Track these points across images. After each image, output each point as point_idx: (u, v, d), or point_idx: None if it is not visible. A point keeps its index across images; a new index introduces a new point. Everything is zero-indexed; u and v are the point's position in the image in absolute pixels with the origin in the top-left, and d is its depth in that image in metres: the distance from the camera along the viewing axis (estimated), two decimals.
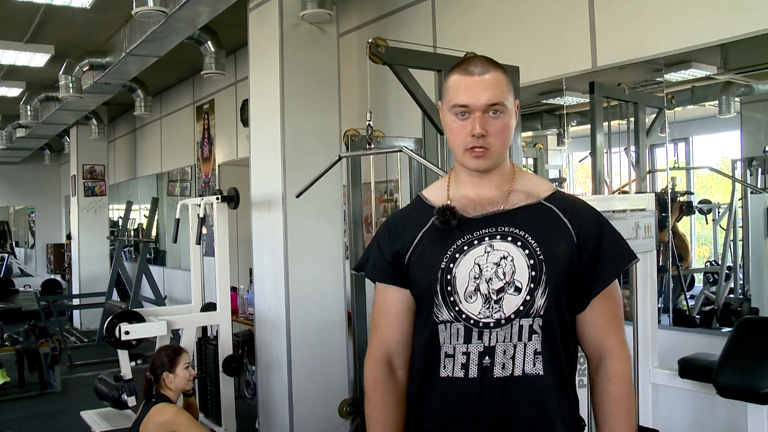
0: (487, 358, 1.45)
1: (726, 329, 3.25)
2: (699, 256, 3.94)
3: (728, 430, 2.89)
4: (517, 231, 1.49)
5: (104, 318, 8.47)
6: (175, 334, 4.49)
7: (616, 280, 1.56)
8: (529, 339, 1.45)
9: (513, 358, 1.45)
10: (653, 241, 2.61)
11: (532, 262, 1.46)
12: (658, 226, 3.22)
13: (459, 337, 1.47)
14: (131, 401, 3.82)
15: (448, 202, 1.56)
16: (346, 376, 4.45)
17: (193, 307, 4.63)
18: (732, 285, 3.53)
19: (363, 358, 3.34)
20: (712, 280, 3.69)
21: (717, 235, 3.68)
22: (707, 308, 3.60)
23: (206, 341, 4.61)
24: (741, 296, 3.40)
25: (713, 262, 3.75)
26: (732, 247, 3.55)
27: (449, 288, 1.48)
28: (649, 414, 2.63)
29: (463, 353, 1.47)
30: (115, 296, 9.32)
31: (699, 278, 3.81)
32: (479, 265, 1.48)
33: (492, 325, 1.45)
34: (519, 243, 1.48)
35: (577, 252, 1.50)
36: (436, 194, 1.62)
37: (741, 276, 3.48)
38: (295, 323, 4.29)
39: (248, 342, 5.09)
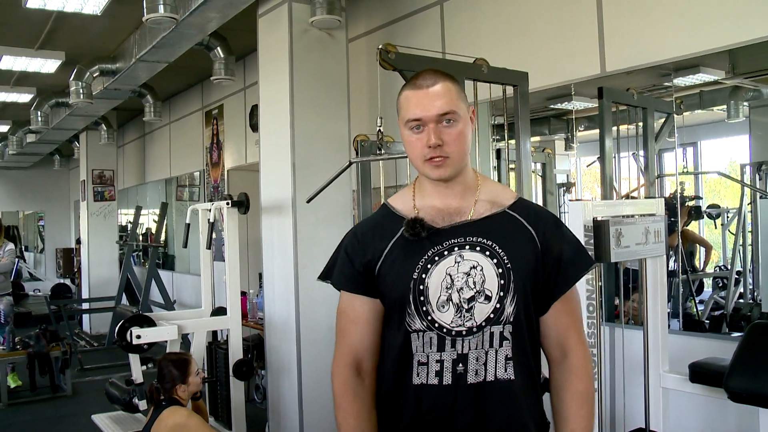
0: (460, 365, 1.50)
1: (736, 334, 3.24)
2: (708, 261, 3.93)
3: None
4: (484, 241, 1.53)
5: (114, 322, 8.56)
6: (185, 339, 4.51)
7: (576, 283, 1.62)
8: (500, 345, 1.50)
9: (485, 364, 1.50)
10: (663, 246, 2.62)
11: (500, 270, 1.51)
12: (667, 231, 3.23)
13: (432, 345, 1.51)
14: (142, 405, 3.84)
15: (416, 212, 1.59)
16: None
17: (204, 311, 4.66)
18: (741, 290, 3.52)
19: None
20: (721, 284, 3.68)
21: (726, 239, 3.68)
22: (716, 313, 3.59)
23: (217, 345, 4.64)
24: (751, 301, 3.39)
25: (722, 267, 3.75)
26: (741, 251, 3.54)
27: (422, 298, 1.52)
28: (660, 418, 2.63)
29: (437, 361, 1.51)
30: (124, 301, 9.37)
31: (708, 283, 3.81)
32: (450, 275, 1.52)
33: (464, 333, 1.50)
34: (487, 252, 1.52)
35: (541, 258, 1.55)
36: (402, 204, 1.63)
37: (750, 281, 3.47)
38: (304, 327, 4.31)
39: (258, 346, 5.11)
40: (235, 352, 4.37)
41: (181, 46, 5.35)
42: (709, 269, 3.79)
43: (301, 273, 4.30)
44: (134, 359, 3.97)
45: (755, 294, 3.38)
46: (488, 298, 1.50)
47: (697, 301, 3.63)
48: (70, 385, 6.56)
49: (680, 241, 3.52)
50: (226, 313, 4.44)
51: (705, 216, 3.70)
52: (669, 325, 2.89)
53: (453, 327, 1.50)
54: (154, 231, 9.91)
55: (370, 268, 1.59)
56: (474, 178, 1.62)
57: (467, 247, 1.53)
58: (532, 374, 1.55)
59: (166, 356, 3.54)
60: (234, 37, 5.71)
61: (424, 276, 1.52)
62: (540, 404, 1.59)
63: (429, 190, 1.60)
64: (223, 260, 4.64)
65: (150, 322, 3.95)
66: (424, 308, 1.51)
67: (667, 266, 3.11)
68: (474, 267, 1.51)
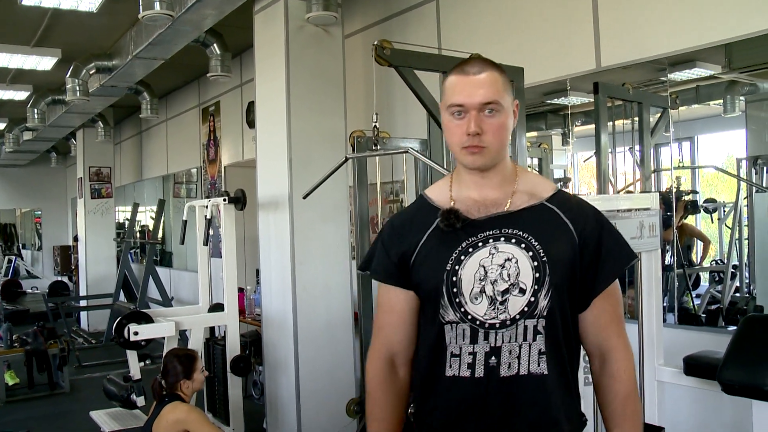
0: (493, 357, 1.47)
1: (732, 328, 3.25)
2: (705, 255, 3.94)
3: (733, 427, 2.90)
4: (520, 233, 1.51)
5: (111, 319, 8.55)
6: (183, 335, 4.52)
7: (617, 279, 1.58)
8: (534, 339, 1.47)
9: (518, 357, 1.47)
10: (658, 240, 2.63)
11: (535, 263, 1.48)
12: (663, 225, 3.24)
13: (465, 337, 1.50)
14: (140, 401, 3.86)
15: (452, 203, 1.58)
16: (353, 376, 4.47)
17: (201, 307, 4.66)
18: (738, 284, 3.54)
19: None
20: (717, 278, 3.70)
21: (722, 233, 3.69)
22: (713, 307, 3.60)
23: (214, 342, 4.64)
24: (747, 295, 3.40)
25: (719, 261, 3.76)
26: (737, 245, 3.55)
27: (455, 289, 1.50)
28: (655, 411, 2.64)
29: (470, 353, 1.49)
30: (121, 298, 9.37)
31: (705, 277, 3.82)
32: (484, 267, 1.50)
33: (497, 325, 1.48)
34: (523, 245, 1.50)
35: (579, 252, 1.52)
36: (439, 194, 1.63)
37: (747, 274, 3.48)
38: (302, 323, 4.32)
39: (255, 342, 5.12)
40: (233, 348, 4.37)
41: (178, 43, 5.35)
42: (706, 263, 3.80)
43: (298, 269, 4.31)
44: (132, 356, 3.98)
45: (751, 288, 3.39)
46: (522, 291, 1.48)
47: (693, 295, 3.65)
48: (68, 382, 6.57)
49: (677, 235, 3.53)
50: (223, 310, 4.44)
51: (701, 210, 3.71)
52: (665, 319, 2.90)
53: (486, 319, 1.48)
54: (151, 228, 9.92)
55: (406, 260, 1.58)
56: (512, 170, 1.60)
57: (502, 239, 1.51)
58: (566, 370, 1.52)
59: (172, 351, 3.56)
60: (230, 34, 5.70)
61: (457, 267, 1.51)
62: (575, 401, 1.56)
63: (466, 180, 1.59)
64: (221, 257, 4.64)
65: (147, 319, 3.96)
66: (457, 300, 1.50)
67: (663, 260, 3.12)
68: (509, 259, 1.49)
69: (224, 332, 4.48)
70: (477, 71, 1.52)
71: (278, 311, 4.48)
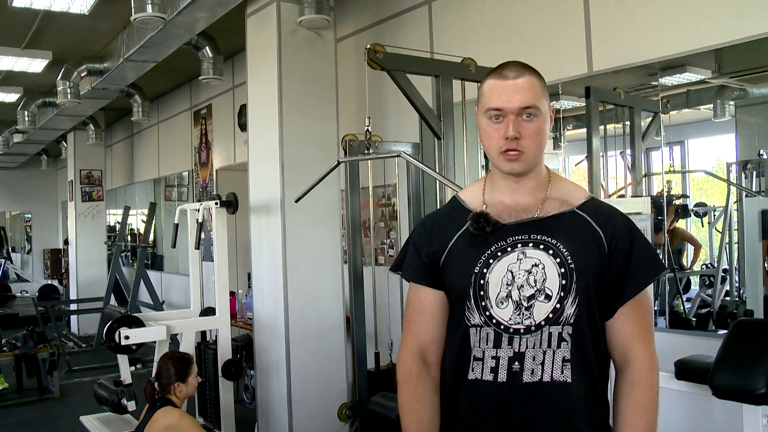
0: (516, 363, 1.47)
1: (722, 331, 3.26)
2: (696, 259, 3.96)
3: (724, 430, 2.91)
4: (549, 239, 1.51)
5: (102, 323, 8.51)
6: (174, 339, 4.50)
7: (646, 289, 1.56)
8: (558, 346, 1.47)
9: (542, 364, 1.46)
10: None
11: (563, 270, 1.48)
12: (654, 229, 3.25)
13: (489, 341, 1.50)
14: (131, 406, 3.83)
15: (484, 206, 1.58)
16: (344, 380, 4.46)
17: (192, 311, 4.64)
18: (728, 287, 3.55)
19: (361, 362, 3.37)
20: (708, 282, 3.71)
21: (713, 237, 3.70)
22: (703, 311, 3.61)
23: (205, 346, 4.62)
24: (737, 299, 3.42)
25: (709, 265, 3.77)
26: (727, 249, 3.57)
27: (482, 293, 1.51)
28: None
29: (493, 357, 1.49)
30: (112, 301, 9.33)
31: (695, 281, 3.83)
32: (512, 272, 1.50)
33: (522, 331, 1.47)
34: (551, 251, 1.50)
35: (608, 260, 1.51)
36: (472, 197, 1.64)
37: (737, 278, 3.50)
38: (293, 327, 4.31)
39: (247, 346, 5.10)
40: (224, 352, 4.36)
41: (170, 46, 5.34)
42: (696, 267, 3.81)
43: (290, 273, 4.30)
44: (123, 360, 3.95)
45: (741, 291, 3.41)
46: (548, 297, 1.47)
47: (684, 299, 3.66)
48: (58, 386, 6.52)
49: (668, 239, 3.54)
50: (214, 314, 4.43)
51: (692, 214, 3.72)
52: (656, 323, 2.91)
53: (511, 324, 1.48)
54: (142, 231, 9.88)
55: (436, 260, 1.59)
56: (546, 176, 1.60)
57: (531, 244, 1.51)
58: (594, 379, 1.50)
59: (168, 353, 3.53)
60: (222, 37, 5.70)
61: (485, 271, 1.51)
62: (602, 411, 1.53)
63: (500, 184, 1.59)
64: (212, 260, 4.63)
65: (138, 323, 3.94)
66: (483, 303, 1.50)
67: None
68: (536, 265, 1.49)
69: (216, 336, 4.46)
70: (515, 75, 1.52)
71: (270, 315, 4.47)
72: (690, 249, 3.82)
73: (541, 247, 1.50)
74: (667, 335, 3.20)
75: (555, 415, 1.46)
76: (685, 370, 2.53)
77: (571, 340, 1.47)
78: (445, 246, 1.59)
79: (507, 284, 1.50)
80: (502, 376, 1.48)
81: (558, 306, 1.47)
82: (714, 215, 3.69)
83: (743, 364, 2.23)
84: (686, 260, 3.82)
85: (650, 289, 1.60)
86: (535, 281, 1.48)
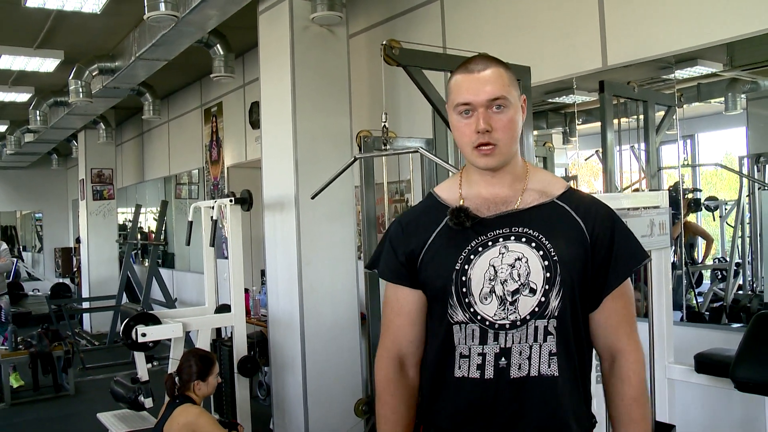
0: (503, 359, 1.45)
1: (736, 325, 3.27)
2: (708, 253, 3.96)
3: (745, 424, 2.91)
4: (531, 232, 1.48)
5: (115, 321, 8.56)
6: (188, 337, 4.53)
7: (629, 279, 1.55)
8: (545, 340, 1.45)
9: (529, 358, 1.45)
10: (668, 238, 2.64)
11: (546, 263, 1.46)
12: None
13: (474, 338, 1.47)
14: (148, 403, 3.86)
15: (461, 201, 1.56)
16: (360, 376, 4.48)
17: (207, 308, 4.66)
18: (740, 281, 3.54)
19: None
20: (720, 276, 3.70)
21: (724, 231, 3.70)
22: (716, 305, 3.61)
23: (221, 342, 4.65)
24: (750, 292, 3.41)
25: (721, 259, 3.77)
26: (740, 243, 3.57)
27: (464, 289, 1.48)
28: (666, 410, 2.65)
29: (479, 354, 1.47)
30: (124, 299, 9.38)
31: (707, 275, 3.83)
32: (494, 267, 1.47)
33: (508, 326, 1.46)
34: (533, 244, 1.47)
35: (590, 251, 1.49)
36: (448, 192, 1.61)
37: (750, 272, 3.49)
38: (308, 324, 4.33)
39: (261, 343, 5.12)
40: (240, 349, 4.38)
41: (181, 44, 5.36)
42: (708, 261, 3.81)
43: (304, 269, 4.32)
44: (139, 357, 3.97)
45: (754, 285, 3.40)
46: (533, 291, 1.45)
47: (696, 293, 3.66)
48: (73, 384, 6.57)
49: (682, 233, 3.54)
50: (229, 311, 4.45)
51: (703, 208, 3.72)
52: None
53: (496, 320, 1.46)
54: (153, 229, 9.92)
55: (413, 259, 1.56)
56: (523, 167, 1.58)
57: (512, 237, 1.48)
58: (576, 371, 1.50)
59: (192, 350, 3.56)
60: (233, 34, 5.72)
61: (467, 267, 1.48)
62: (586, 402, 1.54)
63: (476, 178, 1.57)
64: (225, 257, 4.65)
65: (155, 320, 3.96)
66: (467, 300, 1.48)
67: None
68: (519, 259, 1.47)
69: (231, 333, 4.48)
70: (481, 68, 1.50)
71: (285, 311, 4.48)
72: (701, 243, 3.81)
73: (524, 240, 1.48)
74: (681, 329, 3.20)
75: (543, 410, 1.45)
76: (706, 364, 2.53)
77: (556, 334, 1.46)
78: (423, 244, 1.55)
79: (490, 279, 1.47)
80: (489, 372, 1.46)
81: (543, 299, 1.45)
82: (725, 209, 3.68)
83: (766, 357, 2.24)
84: (698, 254, 3.81)
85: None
86: (518, 275, 1.46)
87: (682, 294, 3.50)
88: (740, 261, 3.55)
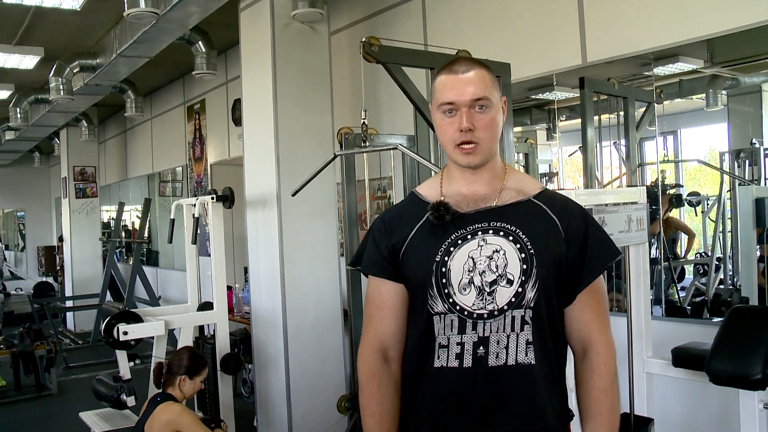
0: (481, 348, 1.49)
1: (717, 319, 3.29)
2: (690, 248, 3.99)
3: (721, 416, 2.95)
4: (508, 226, 1.54)
5: (99, 319, 8.49)
6: (171, 334, 4.51)
7: (601, 275, 1.61)
8: (521, 329, 1.49)
9: (506, 347, 1.49)
10: (645, 234, 2.66)
11: (523, 255, 1.51)
12: (649, 219, 3.27)
13: (453, 328, 1.52)
14: (130, 401, 3.84)
15: (442, 198, 1.61)
16: (343, 373, 4.48)
17: (190, 306, 4.64)
18: (722, 276, 3.58)
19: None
20: (702, 271, 3.74)
21: (706, 226, 3.73)
22: (698, 299, 3.64)
23: (204, 340, 4.63)
24: (731, 287, 3.44)
25: (703, 254, 3.80)
26: (721, 238, 3.60)
27: (444, 280, 1.53)
28: (644, 403, 2.67)
29: (458, 344, 1.51)
30: (108, 298, 9.32)
31: (689, 270, 3.86)
32: (473, 259, 1.52)
33: (486, 316, 1.50)
34: (510, 237, 1.53)
35: (565, 248, 1.55)
36: (429, 191, 1.66)
37: (730, 267, 3.52)
38: (291, 321, 4.32)
39: (244, 341, 5.11)
40: (223, 346, 4.36)
41: (162, 41, 5.32)
42: (691, 256, 3.84)
43: (286, 266, 4.31)
44: (121, 356, 3.95)
45: (735, 279, 3.43)
46: (510, 282, 1.50)
47: (678, 288, 3.68)
48: (56, 383, 6.53)
49: (662, 228, 3.56)
50: (212, 308, 4.43)
51: (686, 204, 3.75)
52: (651, 312, 2.93)
53: (474, 310, 1.50)
54: (137, 227, 9.86)
55: (395, 252, 1.61)
56: (502, 167, 1.64)
57: (490, 231, 1.54)
58: (552, 362, 1.54)
59: (189, 347, 3.60)
60: (215, 32, 5.69)
61: (446, 259, 1.54)
62: (560, 393, 1.58)
63: (456, 177, 1.63)
64: (208, 255, 4.63)
65: (137, 319, 3.94)
66: (446, 291, 1.52)
67: (649, 254, 3.16)
68: (497, 251, 1.52)
69: (214, 331, 4.47)
70: (465, 69, 1.56)
71: (267, 309, 4.48)
72: (684, 238, 3.84)
73: (501, 233, 1.54)
74: (663, 323, 3.23)
75: (520, 397, 1.49)
76: (682, 358, 2.55)
77: (532, 324, 1.50)
78: (404, 238, 1.61)
79: (469, 271, 1.52)
80: (468, 361, 1.50)
81: (520, 290, 1.50)
82: (707, 204, 3.71)
83: (739, 351, 2.26)
84: (680, 249, 3.85)
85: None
86: (496, 267, 1.51)
87: (663, 288, 3.53)
88: (721, 256, 3.58)
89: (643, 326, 2.71)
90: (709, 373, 2.31)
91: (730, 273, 3.51)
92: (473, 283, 1.51)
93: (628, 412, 2.61)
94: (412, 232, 1.60)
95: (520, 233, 1.53)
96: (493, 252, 1.52)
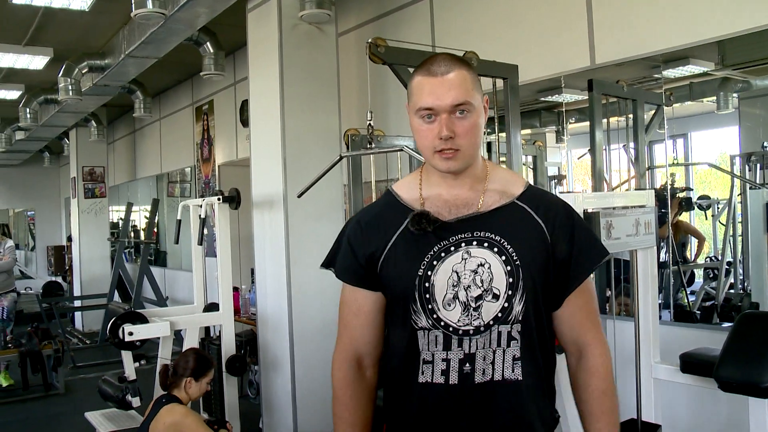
0: (467, 364, 1.46)
1: (726, 324, 3.26)
2: (700, 252, 3.95)
3: (729, 424, 2.91)
4: (492, 236, 1.48)
5: (106, 319, 8.52)
6: (178, 335, 4.51)
7: (590, 276, 1.57)
8: (508, 345, 1.46)
9: (492, 363, 1.46)
10: (653, 238, 2.63)
11: (509, 268, 1.46)
12: (658, 222, 3.24)
13: (438, 344, 1.47)
14: (136, 402, 3.84)
15: (422, 201, 1.54)
16: None
17: (196, 307, 4.64)
18: (732, 280, 3.54)
19: None
20: (712, 275, 3.70)
21: (716, 230, 3.69)
22: (707, 304, 3.60)
23: (209, 341, 4.63)
24: (741, 291, 3.41)
25: (713, 258, 3.76)
26: (731, 242, 3.56)
27: (427, 296, 1.47)
28: (651, 409, 2.65)
29: (443, 360, 1.47)
30: (116, 298, 9.34)
31: (699, 274, 3.82)
32: (457, 273, 1.47)
33: (471, 332, 1.46)
34: (495, 249, 1.47)
35: (551, 251, 1.50)
36: (408, 192, 1.58)
37: (741, 271, 3.49)
38: (297, 322, 4.31)
39: (250, 342, 5.11)
40: (228, 347, 4.36)
41: (171, 42, 5.32)
42: (700, 260, 3.81)
43: (293, 268, 4.30)
44: (127, 356, 3.95)
45: (745, 284, 3.40)
46: (496, 297, 1.45)
47: (688, 292, 3.65)
48: (63, 383, 6.54)
49: (672, 232, 3.53)
50: (218, 309, 4.43)
51: (695, 207, 3.72)
52: (660, 316, 2.90)
53: (460, 326, 1.46)
54: (145, 227, 9.88)
55: (374, 261, 1.54)
56: (483, 167, 1.56)
57: (474, 243, 1.47)
58: (541, 373, 1.50)
59: (195, 349, 3.59)
60: (223, 32, 5.69)
61: (429, 273, 1.47)
62: (550, 403, 1.56)
63: (436, 180, 1.55)
64: (215, 256, 4.63)
65: (142, 319, 3.94)
66: (430, 306, 1.47)
67: (659, 257, 3.12)
68: (481, 264, 1.46)
69: (219, 332, 4.46)
70: (444, 71, 1.46)
71: (273, 310, 4.47)
72: (694, 242, 3.81)
73: (486, 245, 1.47)
74: (671, 328, 3.19)
75: (507, 413, 1.46)
76: (691, 363, 2.52)
77: (520, 338, 1.46)
78: (383, 246, 1.53)
79: (453, 285, 1.46)
80: (454, 378, 1.46)
81: (506, 305, 1.46)
82: (717, 208, 3.68)
83: (749, 357, 2.23)
84: (690, 253, 3.81)
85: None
86: (482, 281, 1.46)
87: (672, 293, 3.50)
88: (732, 260, 3.55)
89: (651, 331, 2.68)
90: (718, 379, 2.28)
91: (741, 277, 3.47)
92: (458, 298, 1.46)
93: (636, 418, 2.59)
94: (392, 240, 1.52)
95: (505, 243, 1.47)
96: (478, 266, 1.46)
